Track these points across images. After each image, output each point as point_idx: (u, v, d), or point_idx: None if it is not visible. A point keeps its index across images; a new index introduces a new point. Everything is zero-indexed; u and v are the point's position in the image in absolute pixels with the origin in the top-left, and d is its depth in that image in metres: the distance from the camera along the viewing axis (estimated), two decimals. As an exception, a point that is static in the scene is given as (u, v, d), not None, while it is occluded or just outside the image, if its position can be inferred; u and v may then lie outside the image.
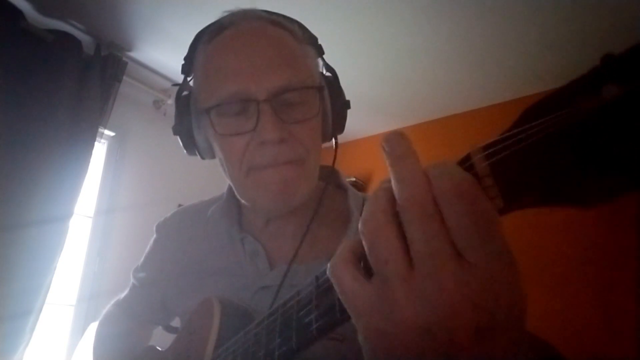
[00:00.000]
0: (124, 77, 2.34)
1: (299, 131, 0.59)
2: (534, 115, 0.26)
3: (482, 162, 0.28)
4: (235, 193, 0.66)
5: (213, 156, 0.69)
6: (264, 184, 0.60)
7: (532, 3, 1.85)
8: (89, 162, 2.19)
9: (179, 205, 0.87)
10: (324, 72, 0.69)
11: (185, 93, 0.67)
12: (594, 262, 2.13)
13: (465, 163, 0.29)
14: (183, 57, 0.67)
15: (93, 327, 0.89)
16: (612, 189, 0.24)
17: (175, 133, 0.68)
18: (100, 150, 2.48)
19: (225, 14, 0.64)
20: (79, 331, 2.24)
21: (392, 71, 2.44)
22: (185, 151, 0.70)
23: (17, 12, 1.96)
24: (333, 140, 0.70)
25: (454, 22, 2.01)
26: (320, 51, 0.67)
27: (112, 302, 0.89)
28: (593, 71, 0.24)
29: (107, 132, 2.37)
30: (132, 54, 2.40)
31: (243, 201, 0.66)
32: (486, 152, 0.28)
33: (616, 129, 0.22)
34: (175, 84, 0.70)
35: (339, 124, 0.68)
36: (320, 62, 0.69)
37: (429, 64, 2.35)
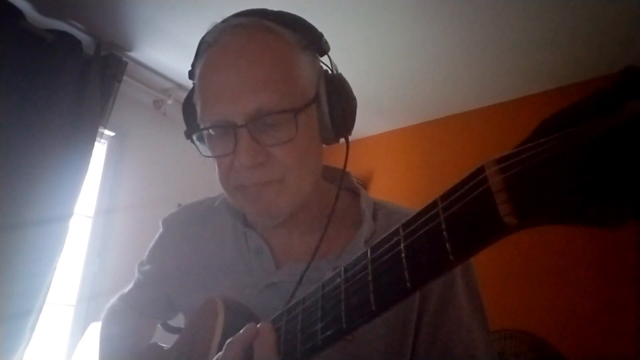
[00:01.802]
0: (124, 77, 2.34)
1: (279, 152, 0.59)
2: (551, 128, 0.25)
3: (496, 176, 0.27)
4: (231, 204, 0.68)
5: None
6: (247, 201, 0.63)
7: (532, 3, 1.85)
8: (89, 162, 2.19)
9: (179, 205, 0.87)
10: (331, 70, 0.66)
11: (195, 98, 0.67)
12: (594, 262, 2.13)
13: (478, 176, 0.28)
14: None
15: (93, 327, 0.89)
16: (629, 212, 0.22)
17: (187, 137, 0.69)
18: (100, 150, 2.48)
19: (218, 21, 0.64)
20: (79, 331, 2.23)
21: (392, 71, 2.44)
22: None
23: (17, 12, 1.96)
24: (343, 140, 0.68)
25: (454, 22, 2.01)
26: (321, 50, 0.65)
27: (117, 295, 0.89)
28: (614, 85, 0.22)
29: (107, 132, 2.37)
30: (132, 54, 2.40)
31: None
32: (500, 166, 0.26)
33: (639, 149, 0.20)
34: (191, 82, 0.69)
35: (345, 125, 0.64)
36: (326, 61, 0.67)
37: (429, 64, 2.35)
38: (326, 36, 0.67)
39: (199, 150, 0.68)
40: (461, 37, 2.11)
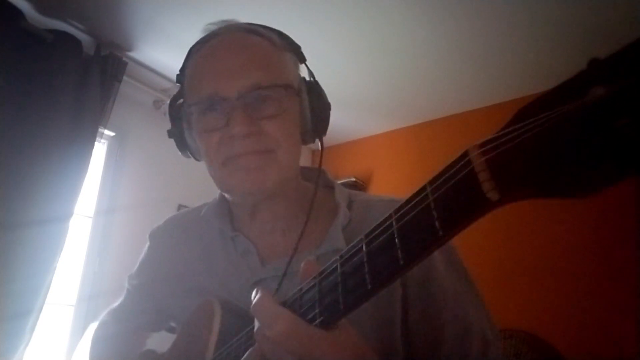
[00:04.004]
0: (124, 77, 2.34)
1: (269, 126, 0.64)
2: (526, 115, 0.28)
3: (478, 158, 0.30)
4: (216, 185, 0.71)
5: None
6: (236, 170, 0.65)
7: (532, 3, 1.86)
8: (89, 162, 2.19)
9: (179, 205, 0.89)
10: (307, 78, 0.72)
11: (180, 101, 0.73)
12: (594, 262, 2.14)
13: (462, 159, 0.32)
14: (183, 57, 0.72)
15: (92, 328, 0.89)
16: (597, 181, 0.25)
17: (170, 136, 0.74)
18: (100, 150, 2.48)
19: (211, 26, 0.70)
20: (79, 331, 2.24)
21: (392, 71, 2.44)
22: (180, 153, 0.76)
23: (17, 12, 1.96)
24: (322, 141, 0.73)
25: (453, 22, 2.02)
26: (301, 58, 0.72)
27: (107, 310, 0.90)
28: (580, 74, 0.26)
29: (107, 132, 2.37)
30: (132, 54, 2.41)
31: (224, 193, 0.73)
32: (482, 149, 0.30)
33: (601, 128, 0.24)
34: (176, 82, 0.74)
35: (321, 126, 0.72)
36: (307, 70, 0.73)
37: (429, 64, 2.35)
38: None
39: (180, 149, 0.73)
40: (461, 38, 2.12)
